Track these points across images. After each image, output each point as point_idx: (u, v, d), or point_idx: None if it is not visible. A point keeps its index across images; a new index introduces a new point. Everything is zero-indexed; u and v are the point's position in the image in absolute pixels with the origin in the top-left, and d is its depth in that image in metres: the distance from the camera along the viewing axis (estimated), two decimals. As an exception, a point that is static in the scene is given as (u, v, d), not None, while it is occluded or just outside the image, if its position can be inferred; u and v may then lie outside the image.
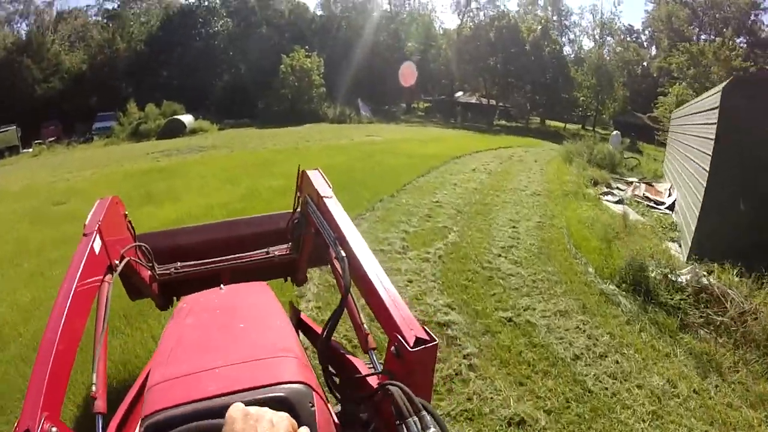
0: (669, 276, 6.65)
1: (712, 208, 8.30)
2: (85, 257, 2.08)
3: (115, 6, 52.30)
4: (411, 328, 1.53)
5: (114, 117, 33.65)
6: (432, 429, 1.23)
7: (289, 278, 3.98)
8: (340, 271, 1.93)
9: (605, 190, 14.21)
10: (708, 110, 9.29)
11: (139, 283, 3.12)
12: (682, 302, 5.89)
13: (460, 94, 57.52)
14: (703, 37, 49.67)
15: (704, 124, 9.39)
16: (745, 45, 41.21)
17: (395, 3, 57.24)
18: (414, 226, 8.40)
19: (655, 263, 6.92)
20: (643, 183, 16.19)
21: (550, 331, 5.11)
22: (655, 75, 54.03)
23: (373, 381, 1.77)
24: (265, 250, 3.50)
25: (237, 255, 3.42)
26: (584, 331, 5.19)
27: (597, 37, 54.31)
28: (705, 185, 8.46)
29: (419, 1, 59.11)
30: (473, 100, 53.93)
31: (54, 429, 1.37)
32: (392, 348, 1.54)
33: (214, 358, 1.53)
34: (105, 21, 50.50)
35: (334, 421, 1.56)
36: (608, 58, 48.45)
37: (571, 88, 44.77)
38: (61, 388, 1.59)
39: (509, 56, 44.41)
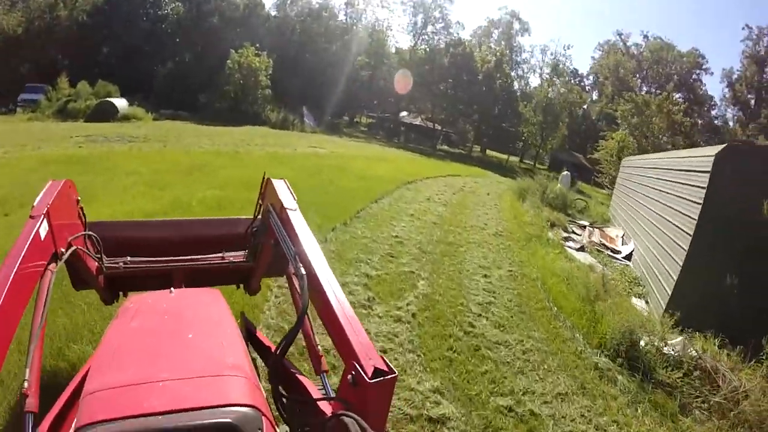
0: (662, 349, 6.12)
1: (693, 273, 7.89)
2: (28, 241, 1.89)
3: (64, -30, 47.56)
4: (369, 357, 1.45)
5: (43, 90, 29.95)
6: None
7: (242, 286, 3.76)
8: (298, 288, 1.83)
9: (564, 234, 13.75)
10: (691, 171, 8.93)
11: (85, 274, 2.92)
12: (679, 381, 5.54)
13: (404, 114, 56.63)
14: (644, 88, 52.64)
15: (686, 184, 9.01)
16: (683, 101, 43.39)
17: (352, 15, 56.25)
18: (376, 268, 7.18)
19: (644, 333, 6.34)
20: (595, 228, 15.98)
21: (557, 424, 4.26)
22: (594, 118, 56.47)
23: (325, 405, 1.74)
24: (221, 254, 3.32)
25: (191, 257, 3.23)
26: (590, 420, 4.46)
27: (546, 76, 56.13)
28: (687, 249, 8.01)
29: (376, 16, 58.44)
30: (417, 122, 53.49)
31: None
32: (348, 376, 1.45)
33: (159, 369, 1.44)
34: (50, -17, 45.68)
35: None
36: (552, 96, 49.82)
37: (518, 121, 45.42)
38: None
39: (461, 84, 44.53)
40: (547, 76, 52.14)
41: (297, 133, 31.44)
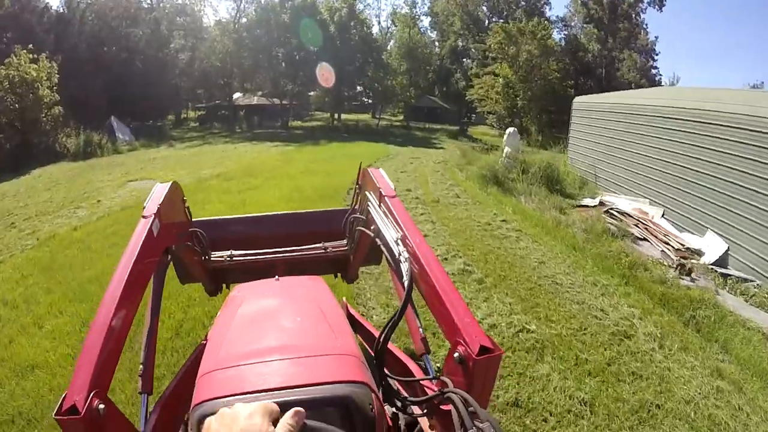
0: None
1: None
2: (143, 239, 2.01)
3: None
4: (475, 335, 1.41)
5: None
6: None
7: (339, 275, 3.87)
8: (400, 272, 1.76)
9: (653, 256, 8.49)
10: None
11: (192, 268, 3.08)
12: None
13: (238, 95, 47.15)
14: (494, 19, 50.29)
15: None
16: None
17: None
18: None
19: None
20: (605, 204, 11.11)
21: None
22: (437, 59, 53.08)
23: (428, 386, 1.80)
24: (322, 244, 3.29)
25: (293, 248, 3.24)
26: None
27: (385, 22, 51.34)
28: None
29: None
30: (254, 101, 45.20)
31: (102, 406, 1.29)
32: (455, 354, 1.44)
33: (271, 350, 1.45)
34: None
35: (388, 424, 1.52)
36: (393, 42, 44.87)
37: (384, 74, 39.40)
38: (112, 366, 1.51)
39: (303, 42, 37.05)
40: (397, 21, 46.95)
41: (108, 161, 20.46)
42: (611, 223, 9.77)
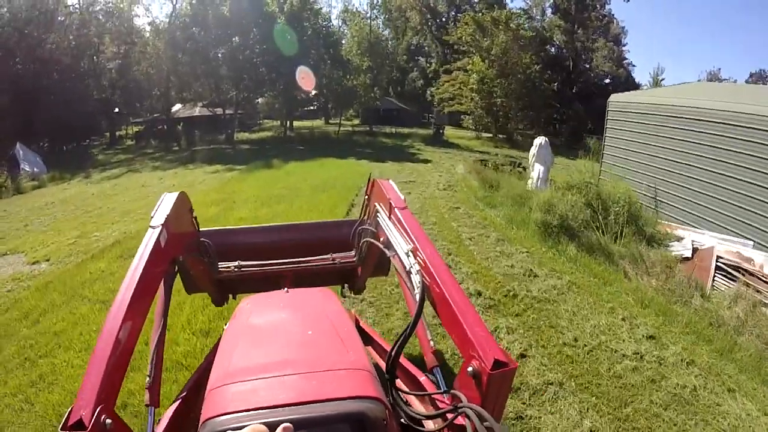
0: None
1: None
2: (150, 249, 1.96)
3: None
4: (489, 349, 1.37)
5: None
6: None
7: (346, 285, 3.78)
8: (411, 284, 1.78)
9: None
10: None
11: (198, 278, 3.04)
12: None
13: (178, 107, 40.79)
14: (453, 12, 47.50)
15: None
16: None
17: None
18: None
19: None
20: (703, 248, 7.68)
21: None
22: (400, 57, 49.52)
23: (439, 399, 1.73)
24: (330, 255, 3.24)
25: (301, 259, 3.20)
26: None
27: (340, 18, 47.28)
28: None
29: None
30: (196, 113, 39.25)
31: (108, 421, 1.24)
32: (468, 369, 1.40)
33: (283, 364, 1.43)
34: None
35: None
36: (346, 41, 40.37)
37: (345, 72, 34.70)
38: (118, 380, 1.47)
39: (255, 40, 32.13)
40: (349, 19, 42.90)
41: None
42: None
